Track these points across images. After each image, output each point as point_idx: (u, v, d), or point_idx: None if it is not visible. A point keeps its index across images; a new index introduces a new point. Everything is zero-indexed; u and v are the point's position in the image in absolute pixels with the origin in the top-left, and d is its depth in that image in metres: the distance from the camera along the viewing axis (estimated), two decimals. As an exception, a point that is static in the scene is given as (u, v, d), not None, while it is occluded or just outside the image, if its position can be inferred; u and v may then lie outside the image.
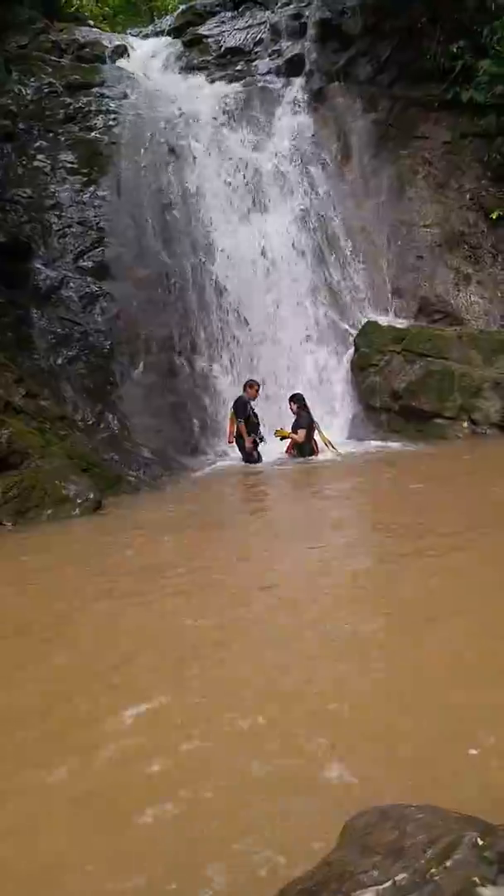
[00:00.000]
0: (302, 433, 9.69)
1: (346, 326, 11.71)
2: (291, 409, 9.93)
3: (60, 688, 2.65)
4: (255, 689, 2.47)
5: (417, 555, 3.98)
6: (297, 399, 9.97)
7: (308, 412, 9.87)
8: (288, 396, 10.16)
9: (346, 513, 6.03)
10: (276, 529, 5.77)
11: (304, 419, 9.76)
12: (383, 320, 11.58)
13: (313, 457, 9.68)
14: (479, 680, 2.41)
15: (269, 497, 7.70)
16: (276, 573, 4.02)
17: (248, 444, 9.63)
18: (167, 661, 2.81)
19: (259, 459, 9.66)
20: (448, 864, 1.26)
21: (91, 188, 11.65)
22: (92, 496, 7.27)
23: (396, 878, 1.27)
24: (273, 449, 9.90)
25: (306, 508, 6.61)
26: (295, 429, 9.76)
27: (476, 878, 1.19)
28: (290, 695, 2.40)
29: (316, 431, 9.88)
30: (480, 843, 1.31)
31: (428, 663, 2.56)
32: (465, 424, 10.23)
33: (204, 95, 13.99)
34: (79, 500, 7.23)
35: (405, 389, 10.57)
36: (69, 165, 11.80)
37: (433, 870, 1.26)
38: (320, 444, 9.83)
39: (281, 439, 9.79)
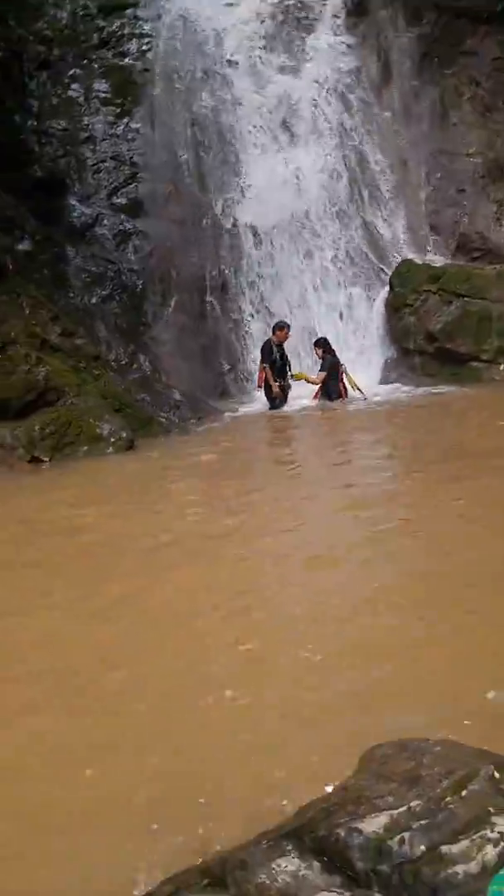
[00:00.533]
0: (321, 375, 9.68)
1: (381, 265, 11.41)
2: (317, 354, 9.93)
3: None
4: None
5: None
6: (321, 343, 9.96)
7: (333, 355, 9.84)
8: (314, 341, 10.13)
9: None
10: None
11: (326, 362, 9.74)
12: (420, 259, 11.24)
13: (340, 400, 9.64)
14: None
15: (291, 445, 7.73)
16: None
17: (274, 390, 9.51)
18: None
19: (282, 405, 9.52)
20: (463, 793, 1.35)
21: (125, 120, 11.38)
22: (125, 435, 7.42)
23: (411, 804, 1.35)
24: (301, 393, 9.80)
25: (323, 457, 6.60)
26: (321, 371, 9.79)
27: (491, 808, 1.26)
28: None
29: (343, 374, 9.82)
30: (497, 775, 1.38)
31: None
32: (503, 367, 10.01)
33: (239, 14, 13.28)
34: (112, 439, 7.39)
35: (441, 331, 10.35)
36: (103, 95, 11.52)
37: (448, 798, 1.33)
38: (348, 387, 9.77)
39: (299, 380, 9.77)
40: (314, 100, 12.26)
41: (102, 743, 1.99)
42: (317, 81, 12.49)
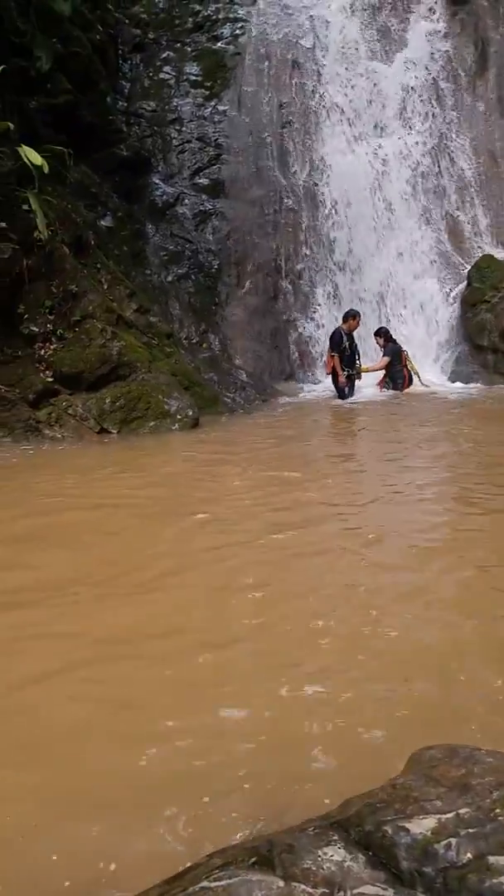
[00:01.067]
0: (383, 361, 9.76)
1: (461, 259, 11.11)
2: (378, 343, 9.93)
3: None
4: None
5: None
6: (382, 333, 9.99)
7: (395, 343, 9.86)
8: (374, 330, 10.13)
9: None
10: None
11: (388, 350, 9.80)
12: (501, 255, 10.89)
13: (406, 389, 9.64)
14: None
15: (352, 437, 7.60)
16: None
17: (340, 379, 9.39)
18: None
19: (350, 394, 9.42)
20: (514, 807, 1.31)
21: (212, 102, 11.37)
22: (191, 413, 7.49)
23: (460, 811, 1.33)
24: (368, 382, 9.76)
25: (383, 454, 6.40)
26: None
27: (542, 825, 1.23)
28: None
29: (407, 361, 9.84)
30: (549, 794, 1.34)
31: None
32: None
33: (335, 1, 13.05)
34: (179, 416, 7.48)
35: (517, 330, 10.02)
36: (193, 78, 11.53)
37: (498, 810, 1.30)
38: (413, 374, 9.82)
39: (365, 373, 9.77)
40: (404, 87, 11.96)
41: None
42: (408, 68, 12.18)
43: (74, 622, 2.46)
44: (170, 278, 9.76)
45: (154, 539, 3.40)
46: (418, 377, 9.76)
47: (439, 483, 4.49)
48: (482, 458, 5.14)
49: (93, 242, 8.32)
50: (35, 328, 7.18)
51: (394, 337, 9.99)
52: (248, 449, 5.94)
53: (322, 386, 9.91)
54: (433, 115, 11.93)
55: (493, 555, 2.99)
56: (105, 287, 8.22)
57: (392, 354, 9.74)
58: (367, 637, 2.25)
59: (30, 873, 1.37)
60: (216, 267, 10.30)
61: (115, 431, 7.29)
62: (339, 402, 9.25)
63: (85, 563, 3.09)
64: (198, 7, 12.28)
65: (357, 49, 12.27)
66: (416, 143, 11.68)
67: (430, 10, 12.94)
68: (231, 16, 12.26)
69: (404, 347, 9.95)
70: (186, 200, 10.47)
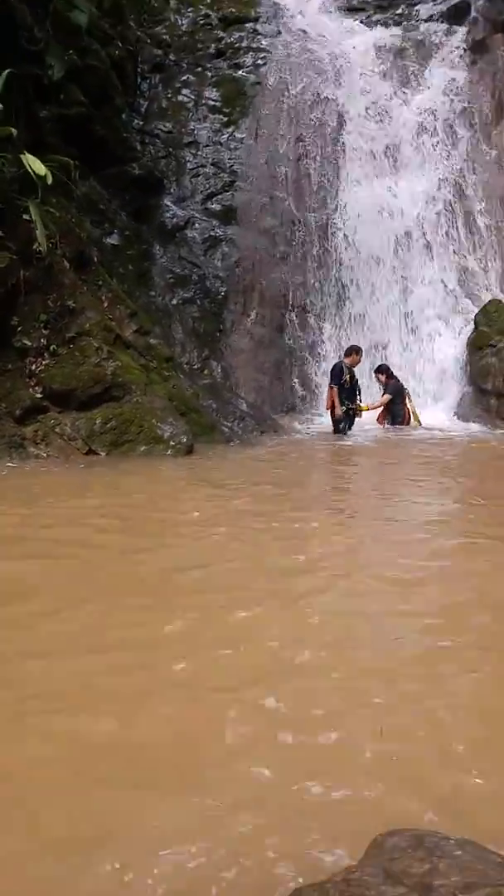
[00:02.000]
0: (385, 398, 9.78)
1: (469, 301, 11.11)
2: (379, 380, 9.94)
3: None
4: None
5: None
6: (384, 370, 10.01)
7: (397, 380, 9.87)
8: (375, 367, 10.16)
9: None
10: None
11: (390, 387, 9.80)
12: (510, 300, 10.88)
13: (405, 426, 9.63)
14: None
15: (348, 474, 7.43)
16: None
17: (337, 412, 9.22)
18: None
19: (348, 430, 9.28)
20: (480, 918, 1.15)
21: (230, 129, 11.47)
22: (185, 440, 7.36)
23: (420, 921, 1.17)
24: (368, 418, 9.66)
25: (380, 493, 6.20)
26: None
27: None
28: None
29: (408, 399, 9.86)
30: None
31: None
32: None
33: (358, 41, 13.32)
34: (172, 442, 7.34)
35: (522, 376, 9.95)
36: (212, 103, 11.64)
37: (462, 920, 1.14)
38: (412, 413, 9.83)
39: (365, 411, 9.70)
40: (421, 129, 12.10)
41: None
42: (426, 111, 12.34)
43: None
44: (174, 301, 9.72)
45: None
46: (416, 418, 9.71)
47: (424, 527, 4.34)
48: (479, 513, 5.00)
49: (96, 259, 8.28)
50: (28, 342, 7.09)
51: (395, 374, 9.96)
52: (237, 483, 5.75)
53: (323, 420, 9.81)
54: (448, 158, 12.03)
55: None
56: (105, 305, 8.15)
57: (394, 392, 9.75)
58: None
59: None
60: (223, 294, 10.27)
61: (103, 453, 7.15)
62: (337, 435, 9.12)
63: None
64: (221, 34, 12.47)
65: (377, 88, 12.44)
66: (431, 184, 11.75)
67: (451, 56, 13.18)
68: (254, 45, 12.45)
69: (406, 385, 9.95)
70: (197, 224, 10.48)
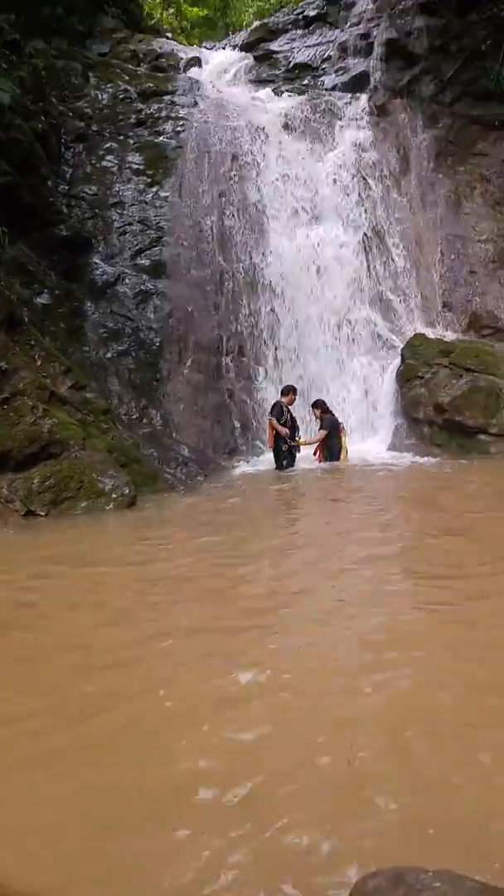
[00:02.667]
0: (321, 434, 9.31)
1: (394, 337, 10.91)
2: (315, 415, 9.52)
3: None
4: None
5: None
6: (319, 404, 9.58)
7: (332, 415, 9.47)
8: (312, 402, 9.72)
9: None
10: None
11: (326, 422, 9.36)
12: (431, 333, 10.75)
13: (339, 462, 9.20)
14: None
15: (294, 510, 6.92)
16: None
17: (282, 433, 8.86)
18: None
19: (290, 465, 8.91)
20: None
21: (154, 189, 11.12)
22: (127, 492, 6.74)
23: None
24: (307, 455, 9.30)
25: (328, 524, 5.71)
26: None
27: None
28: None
29: (343, 434, 9.46)
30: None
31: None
32: (510, 443, 9.30)
33: (270, 106, 13.34)
34: (114, 495, 6.72)
35: (450, 403, 9.69)
36: (135, 166, 11.31)
37: None
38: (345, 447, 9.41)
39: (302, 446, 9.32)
40: (337, 181, 12.04)
41: None
42: (339, 166, 12.32)
43: None
44: (109, 355, 9.13)
45: None
46: (345, 453, 9.30)
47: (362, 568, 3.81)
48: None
49: (27, 319, 7.67)
50: (-42, 405, 6.39)
51: (330, 409, 9.56)
52: (177, 538, 5.14)
53: (264, 458, 9.32)
54: (364, 207, 11.99)
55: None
56: (38, 363, 7.52)
57: (329, 426, 9.34)
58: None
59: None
60: (158, 344, 9.76)
61: (43, 514, 6.45)
62: (279, 472, 8.70)
63: None
64: (141, 105, 12.26)
65: (291, 146, 12.39)
66: (350, 231, 11.64)
67: (356, 119, 13.32)
68: (173, 115, 12.27)
69: (340, 420, 9.57)
70: (127, 280, 9.99)
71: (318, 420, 9.49)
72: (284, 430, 8.86)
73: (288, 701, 2.20)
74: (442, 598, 3.15)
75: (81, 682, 2.41)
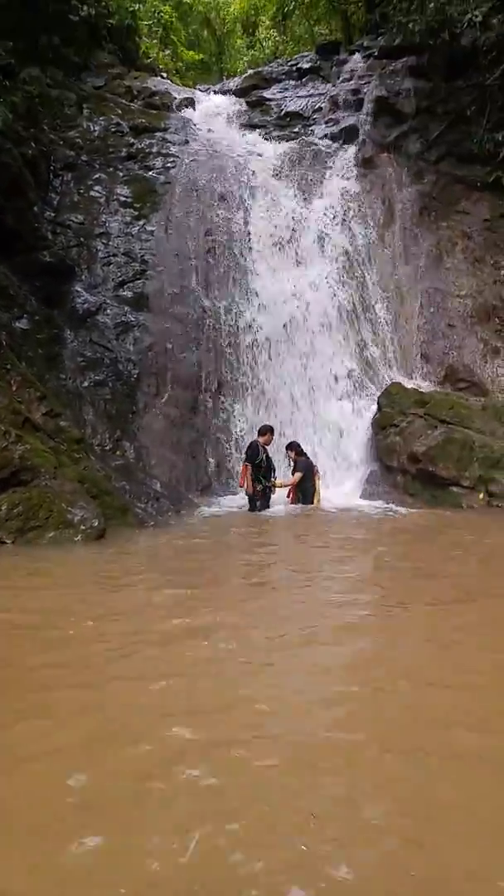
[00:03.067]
0: (296, 477, 9.24)
1: (371, 385, 11.09)
2: (290, 457, 9.50)
3: None
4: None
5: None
6: (293, 447, 9.57)
7: (307, 458, 9.46)
8: (286, 444, 9.71)
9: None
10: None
11: (300, 464, 9.33)
12: (408, 383, 10.94)
13: (313, 504, 9.13)
14: None
15: (264, 552, 6.81)
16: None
17: (251, 489, 8.80)
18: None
19: (264, 507, 8.86)
20: None
21: (141, 222, 11.26)
22: (97, 524, 6.62)
23: None
24: (280, 497, 9.26)
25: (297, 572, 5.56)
26: (293, 474, 9.37)
27: None
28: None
29: (317, 477, 9.42)
30: None
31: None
32: (482, 496, 9.43)
33: (260, 150, 13.72)
34: (83, 527, 6.59)
35: (424, 454, 9.81)
36: (123, 199, 11.45)
37: None
38: (319, 490, 9.36)
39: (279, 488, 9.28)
40: (322, 228, 12.35)
41: None
42: (325, 213, 12.66)
43: None
44: (86, 384, 9.07)
45: None
46: (318, 497, 9.26)
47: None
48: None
49: (4, 343, 7.60)
50: None
51: (304, 452, 9.59)
52: (144, 578, 4.99)
53: (238, 497, 9.27)
54: (348, 254, 12.28)
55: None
56: (14, 388, 7.42)
57: (304, 469, 9.31)
58: None
59: None
60: (135, 376, 9.74)
61: (9, 542, 6.30)
62: (253, 513, 8.61)
63: None
64: (132, 140, 12.49)
65: (279, 191, 12.70)
66: (333, 277, 11.89)
67: (344, 169, 13.77)
68: (164, 151, 12.52)
69: (315, 463, 9.60)
70: (109, 311, 10.01)
71: (291, 462, 9.50)
72: (255, 488, 8.73)
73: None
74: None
75: None
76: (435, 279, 12.35)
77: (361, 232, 12.71)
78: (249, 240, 11.84)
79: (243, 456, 9.15)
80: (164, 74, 16.79)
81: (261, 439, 9.16)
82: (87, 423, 8.59)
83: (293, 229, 12.24)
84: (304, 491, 9.30)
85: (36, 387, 7.76)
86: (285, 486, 9.33)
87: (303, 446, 9.76)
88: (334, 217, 12.63)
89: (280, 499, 9.28)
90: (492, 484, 9.50)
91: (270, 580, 5.15)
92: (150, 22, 18.02)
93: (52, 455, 7.19)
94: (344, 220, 12.68)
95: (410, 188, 13.44)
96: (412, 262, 12.56)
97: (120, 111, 13.32)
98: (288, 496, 9.36)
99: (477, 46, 12.77)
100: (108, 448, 8.62)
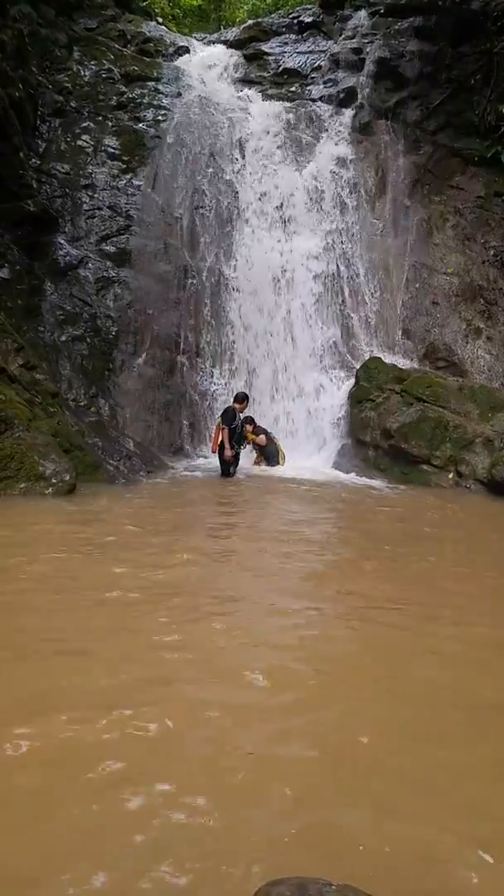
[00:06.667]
0: (263, 437, 9.97)
1: (350, 357, 11.55)
2: (247, 430, 9.94)
3: None
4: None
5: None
6: (249, 421, 10.08)
7: (263, 428, 10.17)
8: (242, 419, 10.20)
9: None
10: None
11: (259, 430, 10.04)
12: (388, 358, 11.41)
13: (280, 466, 9.86)
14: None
15: (235, 515, 7.31)
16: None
17: (227, 453, 9.23)
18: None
19: (234, 471, 9.36)
20: None
21: (128, 176, 11.47)
22: (67, 478, 7.04)
23: None
24: (248, 462, 9.91)
25: (264, 531, 6.19)
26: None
27: None
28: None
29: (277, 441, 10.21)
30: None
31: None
32: (451, 476, 10.00)
33: (254, 108, 13.89)
34: (54, 480, 7.00)
35: (398, 430, 10.34)
36: (111, 150, 11.62)
37: None
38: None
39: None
40: (312, 194, 12.65)
41: None
42: (317, 179, 12.93)
43: None
44: (63, 338, 9.41)
45: None
46: (283, 456, 10.05)
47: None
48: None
49: (-17, 291, 7.90)
50: None
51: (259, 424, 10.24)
52: (109, 530, 5.43)
53: (210, 461, 9.75)
54: (336, 222, 12.61)
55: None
56: (-10, 338, 7.76)
57: (264, 433, 10.06)
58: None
59: None
60: (114, 333, 10.08)
61: (-21, 491, 6.70)
62: (223, 477, 9.09)
63: None
64: (123, 88, 12.58)
65: (271, 153, 12.94)
66: (319, 246, 12.23)
67: (339, 134, 13.99)
68: (155, 102, 12.65)
69: (288, 433, 10.21)
70: (90, 264, 10.29)
71: (247, 435, 10.02)
72: (229, 453, 9.19)
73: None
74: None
75: None
76: (423, 254, 12.74)
77: (352, 200, 13.02)
78: (238, 201, 12.12)
79: (218, 419, 9.59)
80: (160, 20, 16.73)
81: (237, 406, 9.61)
82: (63, 377, 8.95)
83: (283, 193, 12.53)
84: (269, 454, 9.92)
85: (14, 338, 8.09)
86: (256, 443, 9.89)
87: (278, 415, 10.28)
88: (326, 183, 12.92)
89: (245, 464, 9.84)
90: (461, 465, 10.06)
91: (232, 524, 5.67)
92: (148, -40, 17.85)
93: (27, 407, 7.56)
94: (335, 186, 12.97)
95: (405, 158, 13.70)
96: (401, 235, 12.92)
97: (112, 56, 13.37)
98: (255, 461, 9.98)
99: (487, 11, 12.98)
100: (82, 404, 9.01)
